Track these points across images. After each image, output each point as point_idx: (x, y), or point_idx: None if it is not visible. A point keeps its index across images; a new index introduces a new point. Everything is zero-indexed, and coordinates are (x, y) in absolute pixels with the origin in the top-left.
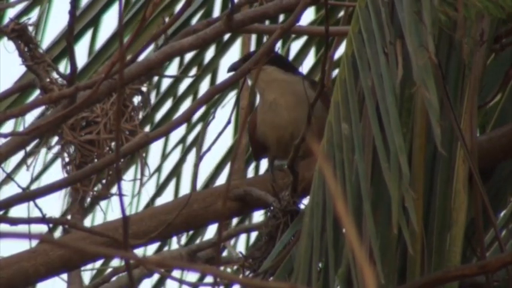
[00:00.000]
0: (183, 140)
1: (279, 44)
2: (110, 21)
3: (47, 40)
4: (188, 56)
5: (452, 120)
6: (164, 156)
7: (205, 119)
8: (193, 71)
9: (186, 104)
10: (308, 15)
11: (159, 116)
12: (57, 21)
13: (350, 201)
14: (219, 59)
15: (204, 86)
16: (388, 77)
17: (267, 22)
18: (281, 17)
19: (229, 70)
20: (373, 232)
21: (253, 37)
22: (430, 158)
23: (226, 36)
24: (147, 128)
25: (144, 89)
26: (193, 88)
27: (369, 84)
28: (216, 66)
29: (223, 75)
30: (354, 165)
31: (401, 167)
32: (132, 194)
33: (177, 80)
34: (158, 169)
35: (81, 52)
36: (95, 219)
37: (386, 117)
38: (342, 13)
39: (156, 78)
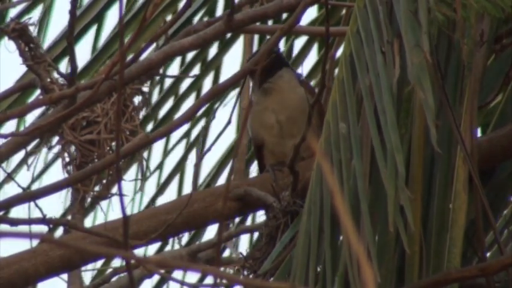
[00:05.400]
0: (187, 134)
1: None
2: (111, 21)
3: (49, 39)
4: (190, 55)
5: (451, 121)
6: (165, 154)
7: (208, 118)
8: (195, 70)
9: (188, 103)
10: (310, 14)
11: (160, 114)
12: (60, 20)
13: (347, 201)
14: (221, 56)
15: (207, 84)
16: (385, 77)
17: (270, 22)
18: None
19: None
20: (370, 232)
21: (255, 37)
22: (429, 159)
23: (228, 34)
24: (148, 128)
25: (145, 89)
26: (195, 87)
27: (367, 84)
28: (219, 64)
29: (225, 73)
30: (351, 165)
31: (397, 166)
32: (134, 193)
33: (178, 79)
34: (159, 167)
35: (83, 51)
36: (96, 219)
37: (383, 116)
38: (343, 13)
39: (157, 78)
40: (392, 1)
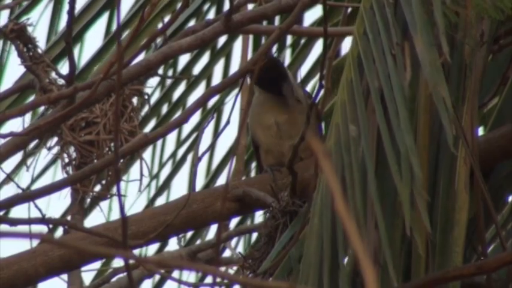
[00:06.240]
0: (200, 135)
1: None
2: (109, 23)
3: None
4: (186, 58)
5: (455, 121)
6: (178, 145)
7: (207, 117)
8: (205, 56)
9: (200, 87)
10: (314, 15)
11: (174, 97)
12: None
13: (358, 203)
14: (231, 43)
15: (218, 70)
16: (396, 78)
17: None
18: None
19: None
20: (385, 235)
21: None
22: (433, 159)
23: (222, 41)
24: (147, 129)
25: (147, 90)
26: (206, 73)
27: (376, 86)
28: (229, 50)
29: (235, 59)
30: (361, 167)
31: (413, 168)
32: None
33: (190, 63)
34: (159, 170)
35: (81, 51)
36: (96, 219)
37: (396, 118)
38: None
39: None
40: (401, 2)
